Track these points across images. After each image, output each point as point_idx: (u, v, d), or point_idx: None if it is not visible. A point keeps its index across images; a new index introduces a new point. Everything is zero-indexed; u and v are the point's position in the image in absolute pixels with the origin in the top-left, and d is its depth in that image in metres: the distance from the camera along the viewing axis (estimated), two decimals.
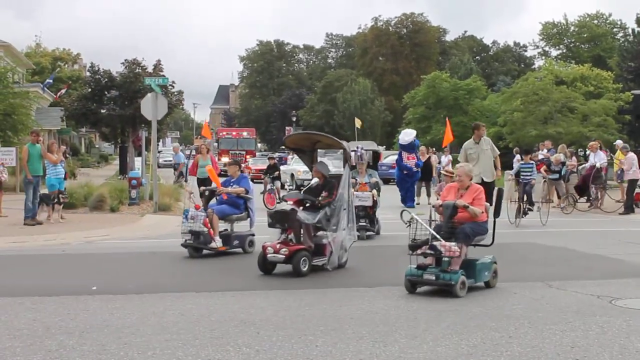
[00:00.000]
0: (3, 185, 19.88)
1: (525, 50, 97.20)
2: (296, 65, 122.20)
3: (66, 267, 11.93)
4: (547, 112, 42.61)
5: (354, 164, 16.12)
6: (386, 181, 39.35)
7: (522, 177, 18.48)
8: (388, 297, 9.11)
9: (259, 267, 10.83)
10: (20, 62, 50.72)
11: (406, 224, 9.49)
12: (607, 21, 78.51)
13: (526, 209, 18.50)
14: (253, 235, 13.39)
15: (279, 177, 24.98)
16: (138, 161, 31.75)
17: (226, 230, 13.48)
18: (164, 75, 35.44)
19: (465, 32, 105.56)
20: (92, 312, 8.20)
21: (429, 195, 25.57)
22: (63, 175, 19.05)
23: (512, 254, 12.93)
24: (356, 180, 15.59)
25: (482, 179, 14.76)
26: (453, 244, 9.05)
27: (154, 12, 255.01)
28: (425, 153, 27.21)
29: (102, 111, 41.18)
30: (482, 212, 9.53)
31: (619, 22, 77.68)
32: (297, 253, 10.64)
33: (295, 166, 34.90)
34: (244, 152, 53.00)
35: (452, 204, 9.41)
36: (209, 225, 12.80)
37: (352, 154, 15.94)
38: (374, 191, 15.89)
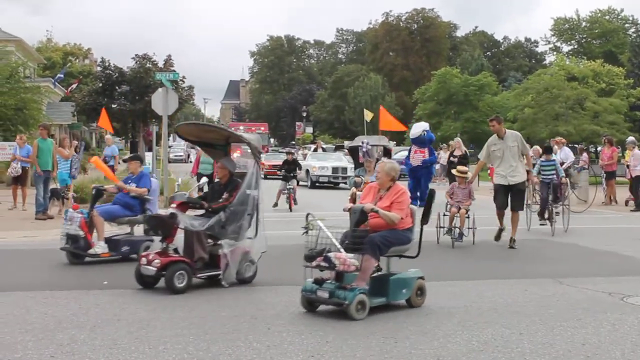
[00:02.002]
0: (23, 180, 19.89)
1: (537, 46, 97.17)
2: (307, 60, 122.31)
3: (77, 261, 11.95)
4: (558, 109, 42.47)
5: (361, 162, 15.64)
6: None
7: (543, 176, 16.38)
8: None
9: (136, 281, 9.31)
10: (32, 57, 50.88)
11: (304, 230, 8.34)
12: (619, 17, 78.24)
13: (553, 212, 16.02)
14: (152, 240, 11.38)
15: (295, 176, 22.39)
16: (149, 156, 31.78)
17: (129, 234, 11.98)
18: (174, 70, 35.53)
19: (476, 27, 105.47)
20: (103, 306, 8.22)
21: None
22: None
23: (522, 250, 12.91)
24: (362, 178, 14.41)
25: (509, 182, 13.29)
26: (352, 256, 7.72)
27: (164, 7, 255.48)
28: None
29: (113, 106, 41.31)
30: (402, 218, 8.20)
31: (630, 18, 77.45)
32: (171, 265, 9.03)
33: (310, 161, 33.82)
34: (296, 147, 52.83)
35: (361, 208, 8.10)
36: (86, 228, 11.32)
37: (363, 149, 15.75)
38: (382, 191, 14.89)
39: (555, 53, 76.85)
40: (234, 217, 9.60)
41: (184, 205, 9.73)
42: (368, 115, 38.17)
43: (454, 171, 14.90)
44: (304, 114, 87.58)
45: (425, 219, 8.46)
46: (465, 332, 7.16)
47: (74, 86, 52.83)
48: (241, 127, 58.39)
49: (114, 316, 7.72)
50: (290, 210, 20.59)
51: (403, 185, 8.66)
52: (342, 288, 7.70)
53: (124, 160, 17.44)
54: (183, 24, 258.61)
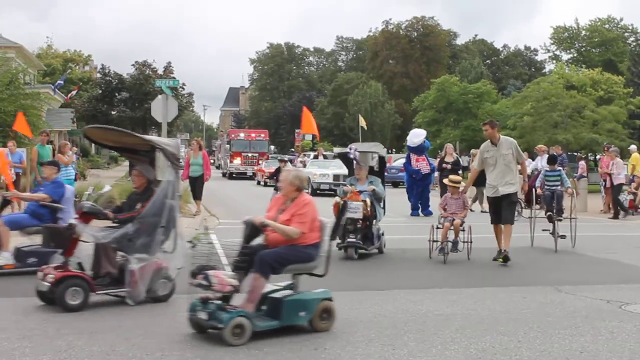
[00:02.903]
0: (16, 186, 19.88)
1: (536, 54, 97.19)
2: (306, 68, 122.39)
3: None
4: (557, 117, 42.51)
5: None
6: (395, 184, 39.47)
7: (547, 186, 14.89)
8: (397, 300, 9.10)
9: (37, 296, 8.56)
10: (32, 63, 50.89)
11: (191, 244, 7.97)
12: (619, 25, 78.31)
13: (557, 226, 14.44)
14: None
15: None
16: None
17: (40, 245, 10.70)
18: (174, 77, 35.58)
19: (476, 35, 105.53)
20: (103, 313, 8.22)
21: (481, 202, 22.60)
22: (73, 177, 19.11)
23: (521, 258, 12.90)
24: (349, 187, 13.33)
25: (499, 192, 12.39)
26: (230, 274, 7.19)
27: (165, 15, 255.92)
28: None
29: (113, 112, 41.38)
30: (303, 233, 7.42)
31: (630, 27, 77.49)
32: (64, 281, 8.24)
33: (310, 169, 33.41)
34: (257, 155, 52.73)
35: (252, 221, 7.45)
36: None
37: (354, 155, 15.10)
38: (367, 200, 12.91)
39: (554, 61, 76.94)
40: (144, 230, 8.72)
41: (89, 216, 8.77)
42: (363, 122, 38.00)
43: (445, 181, 13.87)
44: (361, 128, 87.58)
45: (334, 234, 7.78)
46: (464, 340, 7.16)
47: (73, 93, 52.84)
48: (241, 134, 58.27)
49: (113, 323, 7.72)
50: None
51: (310, 196, 7.83)
52: (223, 309, 7.00)
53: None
54: (183, 32, 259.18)
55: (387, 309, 8.58)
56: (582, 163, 26.65)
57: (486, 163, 12.69)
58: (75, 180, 19.69)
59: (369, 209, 12.86)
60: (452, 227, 12.44)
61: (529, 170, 23.12)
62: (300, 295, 7.58)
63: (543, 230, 14.36)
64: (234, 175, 51.60)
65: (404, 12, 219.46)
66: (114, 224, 8.94)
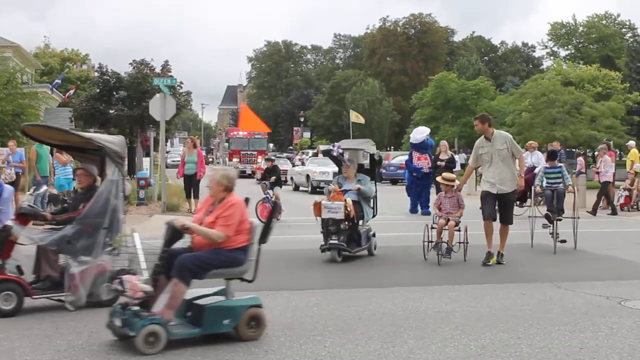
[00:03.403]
0: (16, 186, 19.88)
1: (534, 51, 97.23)
2: (304, 65, 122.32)
3: None
4: (555, 114, 42.53)
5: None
6: (394, 182, 39.49)
7: (548, 184, 14.23)
8: (396, 297, 9.10)
9: None
10: (29, 63, 50.88)
11: (111, 247, 7.70)
12: (616, 21, 78.37)
13: (557, 226, 13.69)
14: None
15: (279, 182, 20.42)
16: (146, 161, 31.80)
17: None
18: (172, 76, 35.50)
19: (474, 32, 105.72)
20: (101, 312, 8.20)
21: None
22: (72, 176, 19.09)
23: (520, 254, 12.91)
24: (333, 186, 12.80)
25: (497, 190, 11.89)
26: (146, 279, 6.94)
27: (163, 13, 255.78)
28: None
29: (111, 112, 41.22)
30: (229, 236, 7.06)
31: (627, 23, 77.59)
32: None
33: (310, 167, 33.51)
34: (255, 153, 52.57)
35: (172, 224, 7.10)
36: None
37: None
38: (349, 200, 12.16)
39: (552, 58, 76.96)
40: (85, 231, 8.26)
41: (26, 217, 8.46)
42: (355, 116, 37.43)
43: (439, 179, 13.26)
44: (302, 119, 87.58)
45: (263, 238, 7.33)
46: (464, 337, 7.16)
47: (71, 92, 52.75)
48: (241, 132, 58.14)
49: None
50: (277, 220, 19.59)
51: (239, 197, 7.38)
52: (138, 316, 6.67)
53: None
54: (181, 30, 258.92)
55: (386, 306, 8.59)
56: (580, 159, 26.67)
57: (482, 159, 12.18)
58: (74, 179, 19.67)
59: (351, 209, 12.11)
60: (446, 227, 11.93)
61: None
62: (225, 302, 7.16)
63: (543, 225, 13.86)
64: (241, 173, 51.57)
65: (401, 10, 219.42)
66: (56, 226, 8.59)
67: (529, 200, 16.10)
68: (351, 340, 7.01)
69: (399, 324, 7.70)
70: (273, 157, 22.56)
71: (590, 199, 23.07)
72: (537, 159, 21.76)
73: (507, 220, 12.14)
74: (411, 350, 6.70)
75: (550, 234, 13.59)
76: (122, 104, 40.69)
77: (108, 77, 41.79)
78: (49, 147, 18.86)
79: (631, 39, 73.20)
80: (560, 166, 14.40)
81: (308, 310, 8.36)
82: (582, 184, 23.89)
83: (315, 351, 6.65)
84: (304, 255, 12.65)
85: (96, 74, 46.50)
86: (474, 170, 14.87)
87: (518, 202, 20.40)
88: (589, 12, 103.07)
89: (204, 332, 6.90)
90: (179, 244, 7.26)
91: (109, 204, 8.31)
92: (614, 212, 21.61)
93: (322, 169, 32.34)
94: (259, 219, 18.04)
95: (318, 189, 31.14)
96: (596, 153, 25.98)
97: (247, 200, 7.39)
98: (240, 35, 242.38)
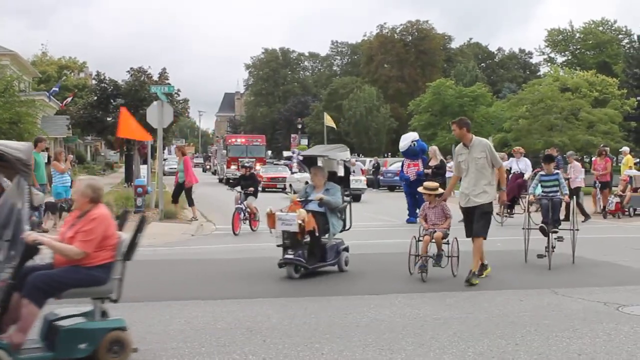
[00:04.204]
0: None
1: (531, 57, 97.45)
2: (301, 72, 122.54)
3: None
4: (553, 120, 42.61)
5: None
6: (391, 188, 39.50)
7: (544, 193, 12.88)
8: (394, 304, 9.09)
9: None
10: (27, 71, 50.93)
11: None
12: (613, 28, 78.59)
13: (552, 240, 12.49)
14: None
15: (255, 193, 18.84)
16: (144, 169, 31.77)
17: None
18: (169, 84, 35.55)
19: (471, 39, 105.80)
20: None
21: None
22: (69, 184, 19.10)
23: (518, 260, 12.90)
24: (290, 195, 12.25)
25: (473, 203, 10.81)
26: None
27: (160, 22, 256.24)
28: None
29: (108, 119, 41.27)
30: (85, 253, 6.47)
31: (624, 29, 77.79)
32: None
33: (307, 173, 33.57)
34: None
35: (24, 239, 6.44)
36: None
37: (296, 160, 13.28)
38: (302, 211, 11.05)
39: (549, 64, 77.15)
40: None
41: None
42: (329, 120, 37.02)
43: (420, 189, 12.01)
44: (299, 126, 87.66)
45: (128, 254, 6.75)
46: (462, 343, 7.16)
47: (69, 99, 52.85)
48: (238, 140, 58.16)
49: None
50: (253, 230, 18.37)
51: (104, 210, 6.87)
52: None
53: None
54: (178, 38, 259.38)
55: (384, 313, 8.58)
56: (575, 164, 26.62)
57: (459, 168, 11.16)
58: (71, 187, 19.69)
59: (306, 221, 10.95)
60: (433, 240, 11.02)
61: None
62: (83, 325, 6.52)
63: (538, 255, 12.42)
64: (230, 180, 51.56)
65: (399, 17, 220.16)
66: None
67: (518, 206, 15.85)
68: (349, 347, 7.01)
69: (396, 330, 7.69)
70: (250, 164, 21.05)
71: (587, 205, 23.07)
72: (524, 166, 21.43)
73: (479, 231, 10.79)
74: (409, 357, 6.69)
75: (545, 247, 12.33)
76: (119, 112, 40.72)
77: (106, 85, 41.86)
78: (46, 155, 18.86)
79: (628, 45, 73.30)
80: (557, 173, 13.15)
81: (306, 317, 8.35)
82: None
83: (313, 358, 6.65)
84: None
85: (94, 81, 46.54)
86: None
87: (508, 211, 20.52)
88: (585, 19, 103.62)
89: (58, 356, 6.29)
90: (39, 260, 6.67)
91: (13, 215, 7.25)
92: (587, 218, 21.30)
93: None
94: (233, 231, 17.81)
95: (348, 194, 31.00)
96: (593, 158, 25.95)
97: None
98: (237, 43, 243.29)
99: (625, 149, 26.84)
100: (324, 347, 7.02)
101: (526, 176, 20.82)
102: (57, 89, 53.05)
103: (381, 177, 42.95)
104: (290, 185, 35.42)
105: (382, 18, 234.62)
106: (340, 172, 12.41)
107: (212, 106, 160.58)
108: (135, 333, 7.52)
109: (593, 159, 25.46)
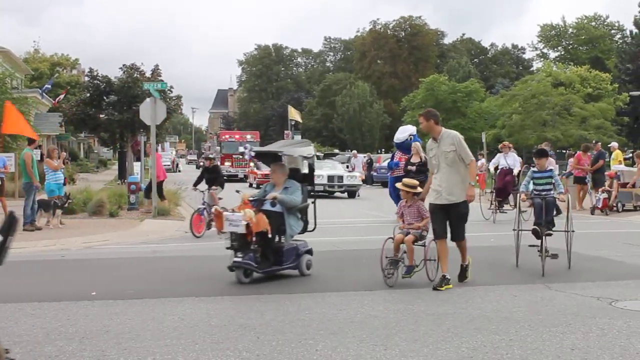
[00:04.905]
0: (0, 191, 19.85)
1: (524, 53, 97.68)
2: (295, 69, 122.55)
3: (66, 272, 11.92)
4: (545, 115, 42.73)
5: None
6: (385, 184, 39.47)
7: (536, 192, 11.71)
8: (388, 300, 9.10)
9: None
10: (19, 68, 50.78)
11: None
12: (605, 23, 78.80)
13: (546, 243, 11.37)
14: None
15: (220, 183, 17.79)
16: (137, 166, 31.74)
17: None
18: (162, 80, 35.47)
19: (464, 34, 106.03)
20: (92, 317, 8.19)
21: None
22: (62, 181, 19.08)
23: (511, 256, 12.90)
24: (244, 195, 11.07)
25: (446, 201, 10.05)
26: None
27: (153, 19, 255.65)
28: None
29: (101, 116, 41.16)
30: None
31: (616, 24, 78.02)
32: None
33: (305, 170, 33.05)
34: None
35: None
36: None
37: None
38: (248, 211, 10.20)
39: (542, 59, 77.29)
40: None
41: None
42: (294, 114, 36.84)
43: (399, 184, 11.32)
44: (292, 123, 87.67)
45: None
46: (455, 339, 7.16)
47: (61, 97, 52.69)
48: (236, 136, 58.11)
49: (102, 327, 7.68)
50: (219, 234, 13.79)
51: None
52: None
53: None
54: (171, 35, 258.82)
55: (378, 309, 8.59)
56: (571, 160, 26.65)
57: (430, 164, 10.51)
58: (65, 184, 19.67)
59: (254, 221, 10.17)
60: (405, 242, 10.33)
61: (491, 167, 22.92)
62: None
63: (530, 245, 11.72)
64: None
65: (392, 12, 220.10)
66: None
67: (509, 205, 15.48)
68: (343, 343, 7.01)
69: (390, 326, 7.70)
70: (213, 156, 19.28)
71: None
72: (512, 161, 20.98)
73: (458, 236, 10.31)
74: (403, 353, 6.69)
75: (538, 251, 11.32)
76: (112, 109, 40.61)
77: (98, 82, 41.73)
78: (38, 152, 18.82)
79: (620, 41, 73.50)
80: (551, 170, 12.01)
81: (299, 314, 8.35)
82: (572, 185, 23.90)
83: (307, 355, 6.64)
84: None
85: (86, 78, 46.41)
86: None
87: (499, 208, 20.45)
88: (578, 14, 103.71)
89: None
90: None
91: None
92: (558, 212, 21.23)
93: (317, 172, 32.03)
94: (193, 234, 16.60)
95: (312, 192, 30.88)
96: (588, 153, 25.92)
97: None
98: (230, 39, 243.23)
99: (614, 144, 26.80)
100: (318, 343, 7.02)
101: (515, 171, 20.66)
102: (49, 86, 52.89)
103: (374, 173, 43.00)
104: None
105: (375, 14, 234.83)
106: (304, 169, 11.69)
107: (206, 103, 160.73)
108: (129, 330, 7.52)
109: (577, 153, 25.24)
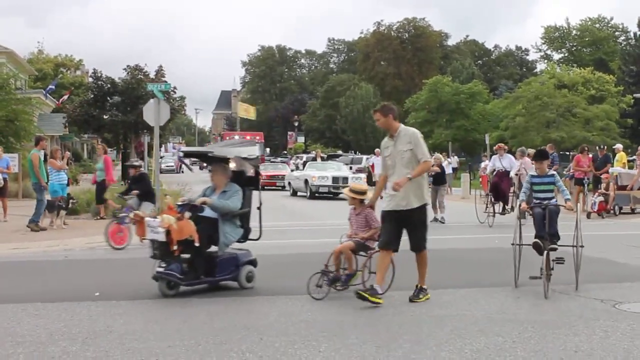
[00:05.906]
0: (3, 192, 19.87)
1: (527, 54, 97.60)
2: (298, 70, 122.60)
3: (69, 273, 11.94)
4: (549, 117, 42.69)
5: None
6: None
7: (537, 200, 10.24)
8: (391, 302, 9.07)
9: None
10: (23, 69, 50.85)
11: None
12: (609, 25, 78.71)
13: (549, 260, 9.91)
14: None
15: (150, 197, 16.14)
16: None
17: None
18: (166, 81, 35.54)
19: (467, 36, 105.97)
20: (95, 318, 8.19)
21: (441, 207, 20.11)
22: (66, 182, 19.10)
23: (511, 257, 12.87)
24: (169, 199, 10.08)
25: (400, 206, 8.90)
26: None
27: (156, 20, 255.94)
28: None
29: (105, 117, 41.27)
30: None
31: (620, 26, 77.90)
32: None
33: (309, 171, 32.99)
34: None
35: None
36: None
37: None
38: (166, 217, 9.10)
39: (546, 61, 77.24)
40: None
41: None
42: (246, 109, 36.62)
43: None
44: (296, 124, 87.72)
45: None
46: (459, 341, 7.15)
47: (65, 97, 52.77)
48: (236, 136, 58.07)
49: (106, 328, 7.69)
50: (141, 241, 11.65)
51: None
52: None
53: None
54: (175, 35, 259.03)
55: (380, 311, 8.57)
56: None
57: (385, 165, 9.36)
58: (68, 185, 19.69)
59: (175, 228, 9.07)
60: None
61: (487, 170, 22.71)
62: None
63: (531, 277, 9.83)
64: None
65: (397, 15, 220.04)
66: None
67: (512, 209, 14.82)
68: (346, 345, 7.00)
69: (394, 328, 7.69)
70: (138, 163, 17.37)
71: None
72: (508, 163, 20.48)
73: (419, 246, 9.25)
74: (406, 354, 6.68)
75: (540, 269, 9.79)
76: (116, 109, 40.71)
77: (102, 83, 41.85)
78: (42, 153, 18.87)
79: (624, 42, 73.44)
80: (553, 174, 10.49)
81: (303, 315, 8.34)
82: (573, 187, 23.79)
83: (310, 356, 6.64)
84: (299, 260, 12.63)
85: (90, 79, 46.50)
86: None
87: (501, 211, 20.22)
88: (582, 16, 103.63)
89: None
90: None
91: None
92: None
93: (321, 173, 32.10)
94: (111, 245, 14.80)
95: (317, 194, 30.95)
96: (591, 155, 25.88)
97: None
98: (234, 41, 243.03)
99: (619, 146, 26.67)
100: (321, 344, 7.01)
101: (512, 174, 20.43)
102: (53, 87, 52.99)
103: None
104: (290, 183, 35.19)
105: (380, 16, 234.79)
106: (249, 172, 10.45)
107: (209, 104, 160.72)
108: (132, 330, 7.52)
109: (576, 155, 25.11)
